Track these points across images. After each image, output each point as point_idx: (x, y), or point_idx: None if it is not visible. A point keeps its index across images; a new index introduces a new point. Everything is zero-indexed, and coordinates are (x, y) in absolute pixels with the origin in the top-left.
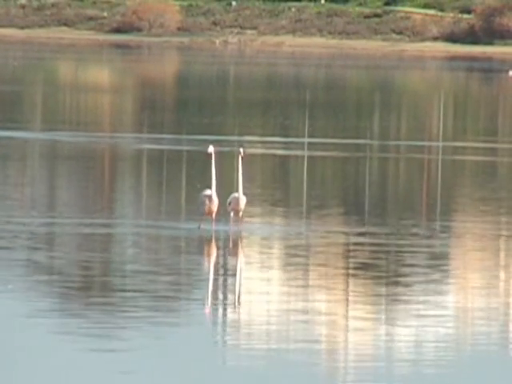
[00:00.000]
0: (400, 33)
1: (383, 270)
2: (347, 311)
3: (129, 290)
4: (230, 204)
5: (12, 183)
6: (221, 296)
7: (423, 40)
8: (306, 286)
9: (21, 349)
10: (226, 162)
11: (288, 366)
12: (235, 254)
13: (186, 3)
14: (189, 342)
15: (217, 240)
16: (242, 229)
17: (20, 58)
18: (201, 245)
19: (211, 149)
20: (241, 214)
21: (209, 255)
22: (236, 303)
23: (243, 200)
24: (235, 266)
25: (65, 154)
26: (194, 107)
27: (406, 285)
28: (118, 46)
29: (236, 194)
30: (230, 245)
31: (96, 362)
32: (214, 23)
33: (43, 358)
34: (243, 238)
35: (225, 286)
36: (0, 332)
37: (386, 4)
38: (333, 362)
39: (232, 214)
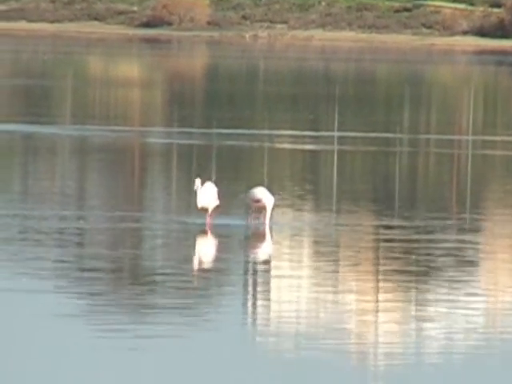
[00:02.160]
0: (430, 27)
1: (413, 263)
2: (377, 304)
3: (159, 284)
4: (259, 201)
5: (41, 178)
6: (251, 288)
7: (453, 34)
8: (335, 279)
9: (50, 346)
10: (254, 156)
11: (317, 356)
12: (265, 248)
13: None
14: (219, 329)
15: (246, 234)
16: (271, 223)
17: (50, 52)
18: (230, 239)
19: (197, 183)
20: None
21: (238, 249)
22: (266, 295)
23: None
24: (266, 259)
25: (94, 149)
26: (223, 101)
27: (436, 278)
28: (148, 40)
29: (266, 193)
30: (260, 239)
31: (123, 358)
32: (244, 17)
33: (74, 355)
34: (273, 231)
35: (255, 278)
36: (30, 329)
37: None
38: (362, 353)
39: (254, 208)
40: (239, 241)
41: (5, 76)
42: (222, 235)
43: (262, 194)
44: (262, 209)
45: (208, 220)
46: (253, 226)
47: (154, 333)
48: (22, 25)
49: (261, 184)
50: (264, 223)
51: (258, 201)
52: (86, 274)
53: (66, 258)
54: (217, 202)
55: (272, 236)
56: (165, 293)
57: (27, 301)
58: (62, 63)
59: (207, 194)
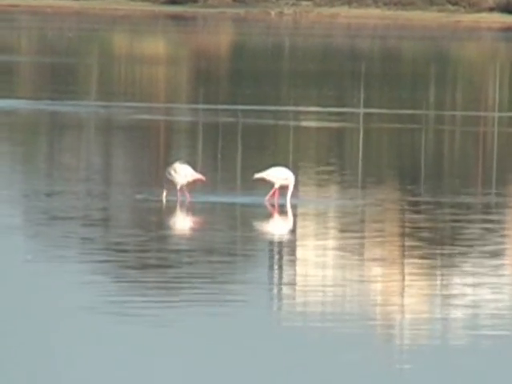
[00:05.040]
0: (456, 4)
1: (438, 239)
2: (403, 279)
3: (184, 260)
4: (286, 179)
5: (67, 155)
6: (277, 265)
7: (479, 11)
8: (361, 255)
9: (73, 327)
10: (279, 134)
11: (343, 329)
12: (291, 225)
13: None
14: (245, 306)
15: (273, 212)
16: (298, 200)
17: (75, 29)
18: (257, 217)
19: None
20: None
21: (266, 226)
22: (292, 271)
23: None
24: (292, 236)
25: (119, 126)
26: (249, 78)
27: (462, 254)
28: (173, 17)
29: (288, 171)
30: (283, 215)
31: (148, 333)
32: None
33: (95, 337)
34: (299, 208)
35: (281, 254)
36: (53, 306)
37: None
38: (388, 328)
39: (278, 186)
40: (263, 218)
41: (31, 53)
42: (244, 213)
43: (287, 172)
44: (285, 186)
45: (181, 195)
46: (275, 203)
47: (180, 309)
48: (48, 2)
49: (285, 161)
50: (287, 200)
51: (286, 179)
52: (110, 254)
53: (90, 235)
54: (189, 178)
55: (296, 212)
56: (190, 269)
57: (52, 278)
58: (87, 40)
59: (182, 173)
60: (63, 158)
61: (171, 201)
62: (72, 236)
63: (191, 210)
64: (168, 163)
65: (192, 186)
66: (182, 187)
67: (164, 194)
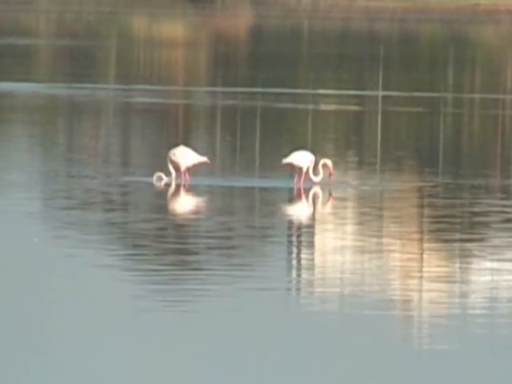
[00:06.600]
0: None
1: (457, 222)
2: (421, 263)
3: (202, 244)
4: (311, 161)
5: (84, 139)
6: (295, 248)
7: None
8: (379, 239)
9: (91, 309)
10: (298, 118)
11: (361, 313)
12: (311, 208)
13: None
14: (263, 288)
15: (293, 195)
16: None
17: (94, 12)
18: (276, 201)
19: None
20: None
21: (285, 210)
22: (311, 255)
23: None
24: (310, 220)
25: (137, 109)
26: (267, 61)
27: (481, 237)
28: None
29: (313, 156)
30: (305, 199)
31: (169, 317)
32: None
33: (113, 317)
34: (317, 192)
35: (300, 238)
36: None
37: None
38: (406, 311)
39: (305, 170)
40: (282, 202)
41: (49, 36)
42: (267, 196)
43: (310, 155)
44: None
45: (185, 177)
46: (301, 187)
47: (198, 292)
48: None
49: (303, 144)
50: (294, 183)
51: (311, 161)
52: (129, 236)
53: (110, 219)
54: (194, 161)
55: (315, 196)
56: (207, 253)
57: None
58: (106, 23)
59: (185, 155)
60: (80, 142)
61: (176, 184)
62: (84, 220)
63: (206, 193)
64: (172, 146)
65: (196, 168)
66: (185, 170)
67: (169, 176)
